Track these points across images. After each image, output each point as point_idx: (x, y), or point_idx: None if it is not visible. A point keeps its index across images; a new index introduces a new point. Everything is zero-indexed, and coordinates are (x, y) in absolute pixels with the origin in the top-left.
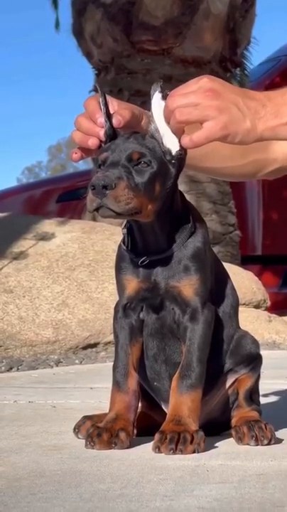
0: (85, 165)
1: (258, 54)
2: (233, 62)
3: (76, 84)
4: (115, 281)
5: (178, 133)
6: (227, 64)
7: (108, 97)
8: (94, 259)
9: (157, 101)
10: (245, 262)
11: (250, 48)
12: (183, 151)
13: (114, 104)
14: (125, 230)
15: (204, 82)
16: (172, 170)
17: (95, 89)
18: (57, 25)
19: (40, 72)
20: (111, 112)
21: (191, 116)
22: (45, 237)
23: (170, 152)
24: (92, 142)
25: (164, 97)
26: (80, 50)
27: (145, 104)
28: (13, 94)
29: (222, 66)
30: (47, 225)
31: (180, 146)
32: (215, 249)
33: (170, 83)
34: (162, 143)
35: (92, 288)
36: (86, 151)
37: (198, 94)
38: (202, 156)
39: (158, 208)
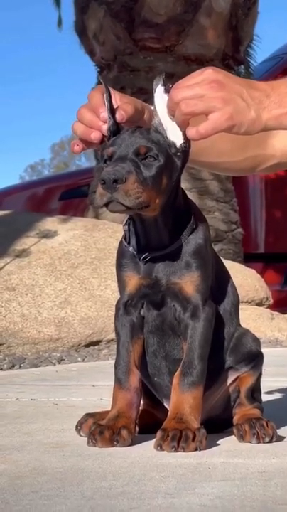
0: (88, 163)
1: (260, 52)
2: (235, 59)
3: (79, 82)
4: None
5: (183, 125)
6: (230, 61)
7: (111, 90)
8: (96, 256)
9: (160, 94)
10: (247, 259)
11: (252, 46)
12: (187, 143)
13: (116, 98)
14: (126, 227)
15: (208, 74)
16: (178, 163)
17: None
18: (59, 23)
19: (43, 70)
20: (114, 106)
21: (197, 108)
22: (47, 235)
23: (174, 145)
24: (95, 136)
25: (167, 91)
26: (83, 48)
27: (148, 101)
28: (15, 93)
29: (225, 64)
30: (50, 223)
31: (185, 138)
32: (218, 246)
33: (172, 81)
34: (166, 136)
35: (95, 285)
36: (87, 143)
37: (203, 85)
38: (200, 151)
39: (164, 202)
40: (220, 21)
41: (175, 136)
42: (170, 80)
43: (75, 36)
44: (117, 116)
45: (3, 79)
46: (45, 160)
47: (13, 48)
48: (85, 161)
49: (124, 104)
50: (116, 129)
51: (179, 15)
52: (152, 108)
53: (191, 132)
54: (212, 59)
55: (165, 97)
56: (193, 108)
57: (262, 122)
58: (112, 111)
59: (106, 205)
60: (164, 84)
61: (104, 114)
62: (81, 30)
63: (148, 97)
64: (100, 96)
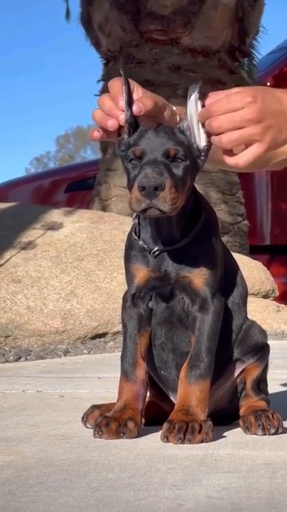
0: (94, 155)
1: (266, 43)
2: (241, 51)
3: (84, 74)
4: (124, 271)
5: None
6: (236, 53)
7: (134, 84)
8: (102, 249)
9: (193, 101)
10: (253, 252)
11: (258, 38)
12: (209, 145)
13: (138, 92)
14: (136, 220)
15: (248, 103)
16: (200, 164)
17: (104, 79)
18: (67, 15)
19: (49, 61)
20: (135, 98)
21: (237, 143)
22: (53, 227)
23: (198, 148)
24: (111, 124)
25: (200, 98)
26: (89, 40)
27: (154, 93)
28: (20, 85)
29: (231, 55)
30: (56, 215)
31: (207, 141)
32: (224, 239)
33: (178, 73)
34: (191, 139)
35: (101, 278)
36: (106, 133)
37: (243, 116)
38: (215, 149)
39: (185, 203)
40: (226, 13)
41: (199, 139)
42: (177, 72)
43: (81, 28)
44: (134, 108)
45: (9, 71)
46: (50, 152)
47: (18, 40)
48: (91, 154)
49: (143, 98)
50: (133, 122)
51: (185, 7)
52: (174, 108)
53: (230, 162)
54: (218, 51)
55: (199, 104)
56: (234, 144)
57: None
58: (130, 103)
59: (144, 211)
60: (199, 92)
61: (122, 102)
62: (87, 21)
63: (153, 89)
64: (120, 85)
